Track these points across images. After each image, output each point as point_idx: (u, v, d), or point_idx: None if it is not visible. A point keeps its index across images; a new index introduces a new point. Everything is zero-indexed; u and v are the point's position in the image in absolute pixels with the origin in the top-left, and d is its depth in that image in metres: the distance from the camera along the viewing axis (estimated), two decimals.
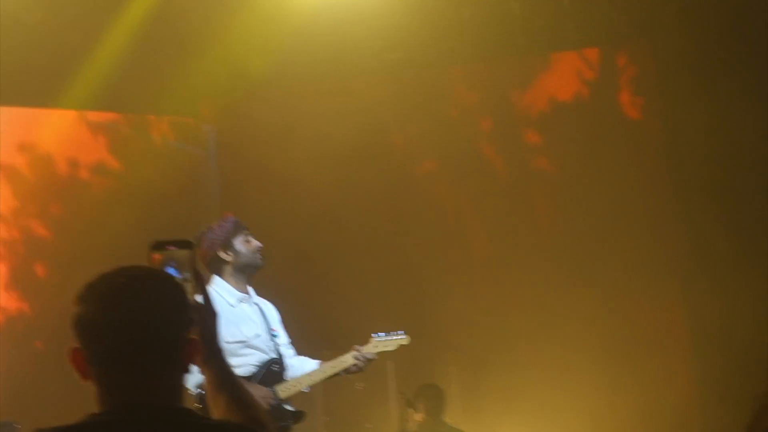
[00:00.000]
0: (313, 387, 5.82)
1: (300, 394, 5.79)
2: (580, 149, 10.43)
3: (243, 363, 5.45)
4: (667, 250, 10.15)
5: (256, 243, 5.64)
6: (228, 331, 5.41)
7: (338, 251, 10.69)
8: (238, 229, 5.66)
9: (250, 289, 5.72)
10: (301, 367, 5.70)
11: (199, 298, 2.59)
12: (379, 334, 5.72)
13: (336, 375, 5.70)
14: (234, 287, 5.61)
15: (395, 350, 5.83)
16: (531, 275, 10.43)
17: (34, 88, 10.09)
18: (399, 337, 5.74)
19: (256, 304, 5.67)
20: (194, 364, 2.46)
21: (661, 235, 10.18)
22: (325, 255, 10.61)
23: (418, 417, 7.73)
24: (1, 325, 10.19)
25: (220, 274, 5.63)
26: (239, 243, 5.62)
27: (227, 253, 5.62)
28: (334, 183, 10.59)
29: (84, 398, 2.41)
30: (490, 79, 10.75)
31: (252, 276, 5.70)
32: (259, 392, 5.30)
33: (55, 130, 10.67)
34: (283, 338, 5.73)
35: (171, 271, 2.51)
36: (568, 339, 9.81)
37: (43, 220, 10.57)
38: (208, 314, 2.62)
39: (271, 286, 6.00)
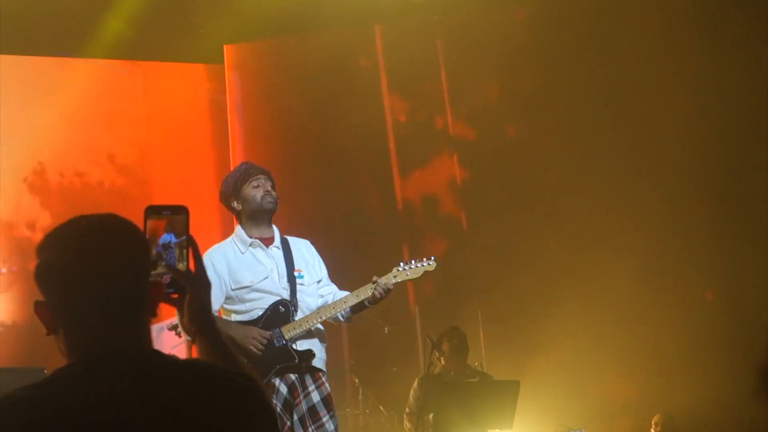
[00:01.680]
0: (334, 320, 5.66)
1: (331, 337, 5.75)
2: None
3: (251, 307, 5.48)
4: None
5: (263, 188, 5.62)
6: (233, 278, 5.52)
7: (358, 190, 10.78)
8: (246, 175, 5.64)
9: (275, 231, 5.71)
10: (333, 301, 5.66)
11: (191, 266, 2.54)
12: (403, 264, 5.62)
13: (354, 310, 5.60)
14: (246, 233, 5.63)
15: (419, 277, 5.65)
16: (561, 222, 10.47)
17: (60, 37, 10.17)
18: (424, 264, 5.63)
19: (278, 247, 5.66)
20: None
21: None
22: (347, 195, 10.70)
23: (443, 360, 7.79)
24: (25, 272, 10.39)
25: (239, 222, 5.69)
26: (247, 190, 5.63)
27: (237, 203, 5.66)
28: (356, 125, 10.62)
29: None
30: None
31: (268, 219, 5.67)
32: (256, 333, 5.34)
33: (81, 79, 10.77)
34: (311, 277, 5.65)
35: (167, 236, 2.47)
36: (598, 281, 9.89)
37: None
38: (200, 285, 2.57)
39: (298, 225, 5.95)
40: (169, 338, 8.36)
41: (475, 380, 7.59)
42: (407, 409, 7.85)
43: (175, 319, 7.29)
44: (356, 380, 10.39)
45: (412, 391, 7.86)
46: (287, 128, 11.04)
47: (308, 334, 5.49)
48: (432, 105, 11.16)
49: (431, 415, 7.36)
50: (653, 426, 9.06)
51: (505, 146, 10.95)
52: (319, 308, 5.55)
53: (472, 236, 11.01)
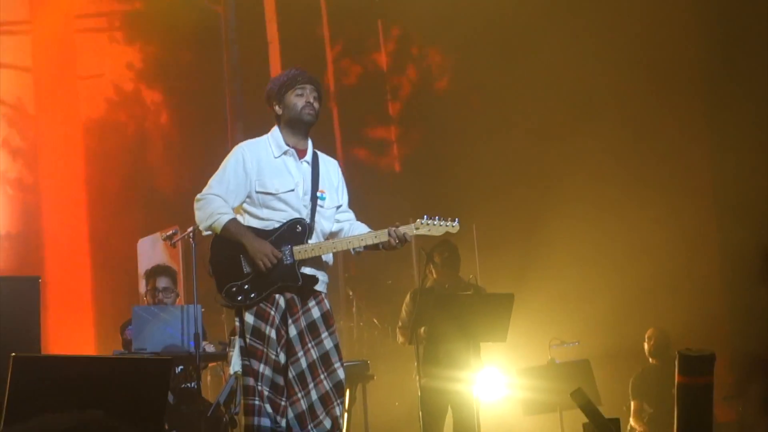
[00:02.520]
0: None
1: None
2: None
3: (269, 216, 5.40)
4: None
5: (306, 98, 5.50)
6: (260, 181, 5.44)
7: None
8: (293, 82, 5.51)
9: (310, 144, 5.60)
10: (348, 231, 5.63)
11: None
12: (427, 217, 5.50)
13: (367, 248, 5.48)
14: (283, 139, 5.54)
15: (440, 235, 5.60)
16: (557, 136, 10.48)
17: None
18: (447, 223, 5.52)
19: (308, 162, 5.58)
20: None
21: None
22: None
23: (435, 273, 7.79)
24: None
25: (277, 124, 5.62)
26: (291, 97, 5.56)
27: (279, 107, 5.60)
28: None
29: None
30: None
31: (305, 130, 5.54)
32: (269, 251, 5.30)
33: None
34: (332, 201, 5.57)
35: None
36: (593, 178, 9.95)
37: None
38: None
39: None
40: (165, 247, 8.38)
41: (469, 293, 7.60)
42: (399, 323, 7.88)
43: (170, 230, 7.29)
44: (350, 293, 10.45)
45: (404, 305, 7.88)
46: None
47: (316, 259, 5.45)
48: None
49: (423, 329, 7.39)
50: (646, 340, 9.13)
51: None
52: (334, 240, 5.49)
53: (469, 150, 11.00)
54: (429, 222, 5.52)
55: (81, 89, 11.30)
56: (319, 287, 5.46)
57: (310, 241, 5.41)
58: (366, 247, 5.52)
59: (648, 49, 10.38)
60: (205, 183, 5.52)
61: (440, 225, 5.55)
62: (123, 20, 11.53)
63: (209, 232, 5.45)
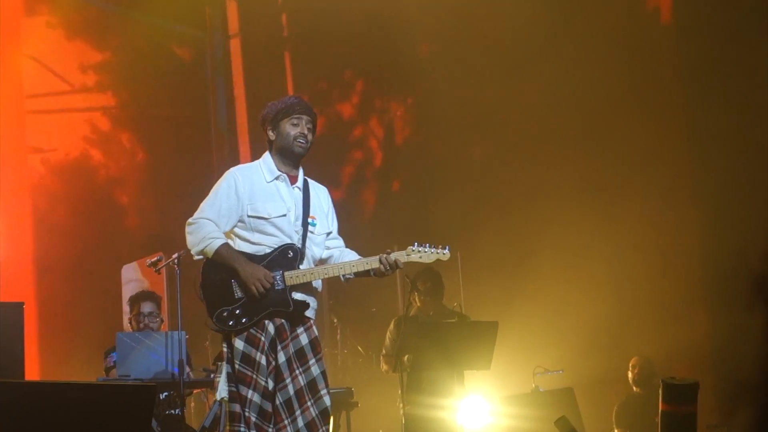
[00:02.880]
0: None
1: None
2: None
3: (261, 241, 5.41)
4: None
5: (300, 129, 5.55)
6: (253, 206, 5.45)
7: None
8: (289, 110, 5.53)
9: (301, 173, 5.62)
10: (338, 258, 5.65)
11: None
12: (417, 244, 5.47)
13: (357, 275, 5.48)
14: (275, 165, 5.57)
15: (426, 263, 5.53)
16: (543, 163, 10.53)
17: None
18: (438, 251, 5.50)
19: (299, 188, 5.59)
20: None
21: None
22: None
23: (418, 301, 7.79)
24: None
25: (269, 150, 5.64)
26: (285, 125, 5.59)
27: (273, 132, 5.63)
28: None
29: None
30: None
31: (296, 159, 5.54)
32: (262, 275, 5.30)
33: None
34: (323, 227, 5.58)
35: None
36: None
37: None
38: None
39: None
40: (149, 274, 8.37)
41: (453, 321, 7.61)
42: (383, 351, 7.88)
43: (155, 257, 7.29)
44: (335, 320, 10.44)
45: (388, 333, 7.88)
46: None
47: (307, 285, 5.46)
48: None
49: (407, 357, 7.38)
50: (630, 368, 9.15)
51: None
52: (326, 266, 5.49)
53: (452, 180, 11.04)
54: (420, 249, 5.53)
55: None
56: (309, 313, 5.46)
57: (301, 267, 5.42)
58: (356, 274, 5.54)
59: (628, 62, 10.43)
60: (191, 210, 5.53)
61: (431, 252, 5.56)
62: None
63: (200, 257, 5.44)
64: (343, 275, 5.53)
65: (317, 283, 5.54)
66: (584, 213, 10.15)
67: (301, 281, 5.39)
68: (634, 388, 9.12)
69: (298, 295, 5.41)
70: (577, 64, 10.38)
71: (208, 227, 5.41)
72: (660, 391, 4.67)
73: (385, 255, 5.42)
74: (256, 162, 5.64)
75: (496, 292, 10.15)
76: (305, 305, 5.40)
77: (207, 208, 5.46)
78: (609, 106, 10.39)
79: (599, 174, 10.30)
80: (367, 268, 5.44)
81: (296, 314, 5.39)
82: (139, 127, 11.47)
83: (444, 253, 5.57)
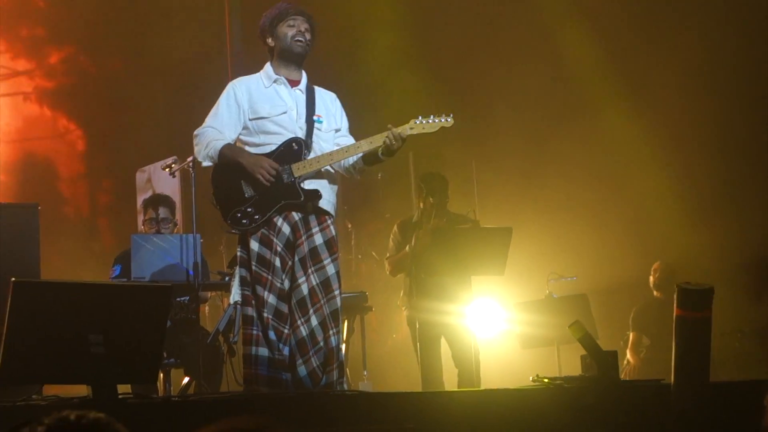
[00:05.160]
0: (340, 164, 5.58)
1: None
2: None
3: (265, 141, 5.45)
4: None
5: (297, 28, 5.56)
6: (252, 108, 5.51)
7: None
8: (284, 14, 5.58)
9: (304, 75, 5.64)
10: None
11: None
12: (420, 117, 5.50)
13: (367, 161, 5.55)
14: (274, 70, 5.60)
15: (435, 132, 5.53)
16: (559, 62, 10.44)
17: None
18: (441, 119, 5.51)
19: (301, 91, 5.59)
20: None
21: None
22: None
23: (426, 204, 7.70)
24: None
25: (270, 59, 5.67)
26: (282, 28, 5.59)
27: (271, 39, 5.63)
28: None
29: None
30: None
31: (297, 61, 5.59)
32: (267, 163, 5.33)
33: None
34: (329, 124, 5.59)
35: None
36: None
37: None
38: None
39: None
40: (164, 177, 8.35)
41: (467, 227, 7.58)
42: (387, 254, 7.87)
43: (169, 160, 7.27)
44: (349, 225, 10.45)
45: (392, 235, 7.86)
46: None
47: (318, 175, 5.46)
48: None
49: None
50: (652, 272, 9.16)
51: None
52: (331, 151, 5.50)
53: (468, 84, 10.96)
54: (423, 120, 5.54)
55: None
56: (325, 206, 5.47)
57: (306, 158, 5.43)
58: (365, 161, 5.56)
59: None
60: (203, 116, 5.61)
61: (434, 122, 5.56)
62: None
63: (209, 163, 5.50)
64: (355, 166, 5.57)
65: (331, 177, 5.57)
66: (605, 113, 10.09)
67: (309, 170, 5.41)
68: (655, 292, 9.13)
69: (308, 185, 5.42)
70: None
71: (212, 133, 5.49)
72: (675, 296, 4.66)
73: (387, 132, 5.42)
74: (257, 73, 5.70)
75: (510, 197, 10.12)
76: (317, 194, 5.41)
77: (210, 119, 5.56)
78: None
79: (622, 75, 10.22)
80: (373, 146, 5.46)
81: (309, 206, 5.41)
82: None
83: (447, 120, 5.57)
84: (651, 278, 9.16)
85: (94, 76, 11.53)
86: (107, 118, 11.40)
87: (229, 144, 5.45)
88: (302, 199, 5.39)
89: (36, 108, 11.31)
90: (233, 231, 5.42)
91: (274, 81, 5.58)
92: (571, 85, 10.44)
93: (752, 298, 8.79)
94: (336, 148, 5.58)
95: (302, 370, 5.27)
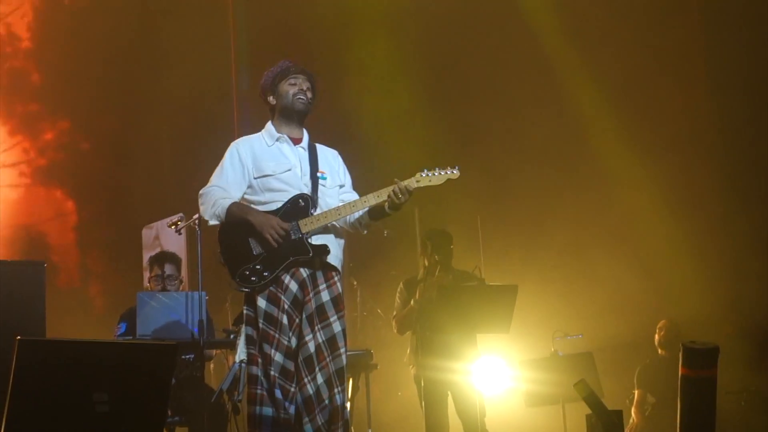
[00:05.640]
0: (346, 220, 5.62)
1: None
2: None
3: (271, 198, 5.48)
4: None
5: (298, 87, 5.62)
6: (256, 166, 5.55)
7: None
8: (285, 72, 5.65)
9: (305, 134, 5.69)
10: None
11: None
12: (426, 170, 5.51)
13: (374, 217, 5.57)
14: (276, 129, 5.65)
15: (442, 184, 5.54)
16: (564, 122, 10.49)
17: None
18: (447, 171, 5.53)
19: (304, 148, 5.63)
20: None
21: None
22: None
23: (431, 261, 7.71)
24: None
25: (271, 118, 5.73)
26: (283, 86, 5.65)
27: (273, 97, 5.70)
28: None
29: None
30: None
31: (298, 120, 5.64)
32: (276, 223, 5.35)
33: None
34: (333, 181, 5.64)
35: None
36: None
37: None
38: None
39: None
40: (171, 234, 8.37)
41: (473, 284, 7.59)
42: (394, 312, 7.88)
43: (175, 217, 7.29)
44: (354, 283, 10.46)
45: (398, 294, 7.87)
46: None
47: (325, 231, 5.48)
48: None
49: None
50: (657, 330, 9.14)
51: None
52: (338, 206, 5.52)
53: (473, 138, 11.00)
54: (429, 173, 5.55)
55: None
56: (332, 261, 5.48)
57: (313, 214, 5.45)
58: (372, 215, 5.58)
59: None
60: (208, 175, 5.65)
61: (440, 174, 5.58)
62: None
63: (215, 222, 5.51)
64: (361, 222, 5.60)
65: (337, 233, 5.58)
66: (606, 177, 10.12)
67: (316, 225, 5.43)
68: (660, 350, 9.10)
69: (316, 240, 5.44)
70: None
71: (218, 192, 5.52)
72: (680, 355, 4.66)
73: (394, 185, 5.44)
74: (258, 133, 5.75)
75: (515, 255, 10.13)
76: (325, 249, 5.42)
77: (215, 178, 5.60)
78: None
79: (618, 137, 10.25)
80: (379, 200, 5.47)
81: (317, 262, 5.42)
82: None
83: (453, 173, 5.59)
84: (656, 336, 9.14)
85: (89, 150, 11.66)
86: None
87: (236, 202, 5.48)
88: (311, 254, 5.40)
89: (29, 181, 11.43)
90: (242, 289, 5.41)
91: (277, 139, 5.63)
92: (576, 137, 10.48)
93: (753, 368, 8.75)
94: (341, 204, 5.61)
95: (308, 428, 5.25)
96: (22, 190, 11.42)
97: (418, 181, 5.53)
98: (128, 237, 10.27)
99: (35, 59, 11.63)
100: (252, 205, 5.54)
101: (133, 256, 10.01)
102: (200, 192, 5.58)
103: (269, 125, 5.70)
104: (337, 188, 5.68)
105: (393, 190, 5.44)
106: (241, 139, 5.75)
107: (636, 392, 8.96)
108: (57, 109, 11.56)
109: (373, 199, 5.49)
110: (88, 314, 10.89)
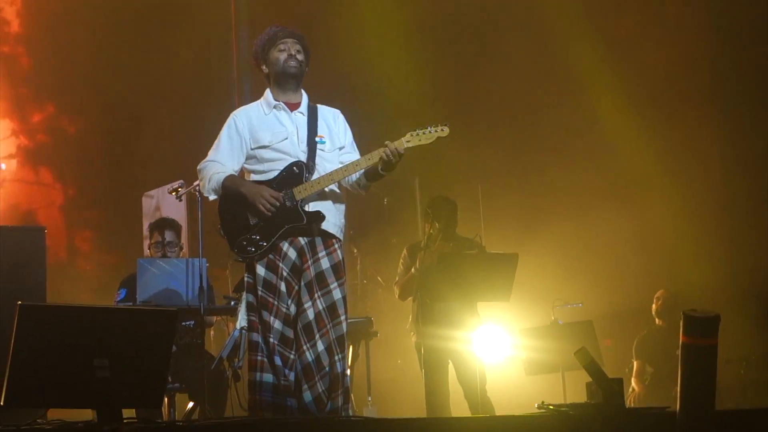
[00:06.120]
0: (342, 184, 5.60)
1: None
2: None
3: (269, 168, 5.48)
4: None
5: (288, 51, 5.58)
6: (253, 137, 5.54)
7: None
8: (274, 39, 5.63)
9: (304, 96, 5.67)
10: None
11: None
12: (417, 129, 5.50)
13: (369, 177, 5.54)
14: (273, 96, 5.64)
15: (432, 143, 5.52)
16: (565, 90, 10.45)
17: None
18: (437, 129, 5.51)
19: (302, 113, 5.61)
20: None
21: None
22: None
23: (434, 228, 7.70)
24: None
25: (268, 85, 5.71)
26: (273, 53, 5.62)
27: (265, 65, 5.67)
28: None
29: None
30: None
31: (294, 83, 5.60)
32: (267, 193, 5.35)
33: None
34: (332, 144, 5.60)
35: None
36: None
37: None
38: None
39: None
40: (171, 200, 8.36)
41: (473, 252, 7.58)
42: (396, 278, 7.88)
43: (176, 183, 7.28)
44: (355, 250, 10.46)
45: (401, 259, 7.87)
46: None
47: (322, 197, 5.48)
48: None
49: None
50: (654, 300, 9.16)
51: None
52: (330, 171, 5.51)
53: (475, 110, 10.97)
54: (419, 132, 5.55)
55: None
56: (331, 229, 5.48)
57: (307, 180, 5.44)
58: (369, 177, 5.57)
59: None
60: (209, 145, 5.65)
61: (431, 133, 5.56)
62: None
63: (214, 196, 5.55)
64: (359, 183, 5.59)
65: (335, 198, 5.58)
66: (613, 136, 10.10)
67: (310, 192, 5.44)
68: (657, 320, 9.13)
69: (311, 207, 5.44)
70: None
71: (215, 166, 5.54)
72: (681, 323, 4.65)
73: (385, 146, 5.43)
74: (256, 102, 5.74)
75: (515, 223, 10.12)
76: (319, 216, 5.42)
77: (212, 152, 5.61)
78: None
79: (624, 110, 10.23)
80: (370, 163, 5.47)
81: (315, 229, 5.42)
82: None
83: (443, 130, 5.57)
84: (653, 306, 9.16)
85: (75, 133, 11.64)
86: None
87: (231, 175, 5.49)
88: (305, 221, 5.40)
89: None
90: (240, 259, 5.43)
91: (274, 107, 5.61)
92: (577, 104, 10.46)
93: (759, 326, 8.76)
94: (340, 166, 5.60)
95: (308, 395, 5.27)
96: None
97: (408, 141, 5.52)
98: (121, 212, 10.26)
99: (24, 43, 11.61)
100: (252, 175, 5.55)
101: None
102: (198, 167, 5.61)
103: (267, 93, 5.69)
104: (337, 151, 5.66)
105: (384, 152, 5.42)
106: (239, 109, 5.75)
107: (635, 363, 8.99)
108: (48, 88, 11.53)
109: (365, 162, 5.49)
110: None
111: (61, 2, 11.50)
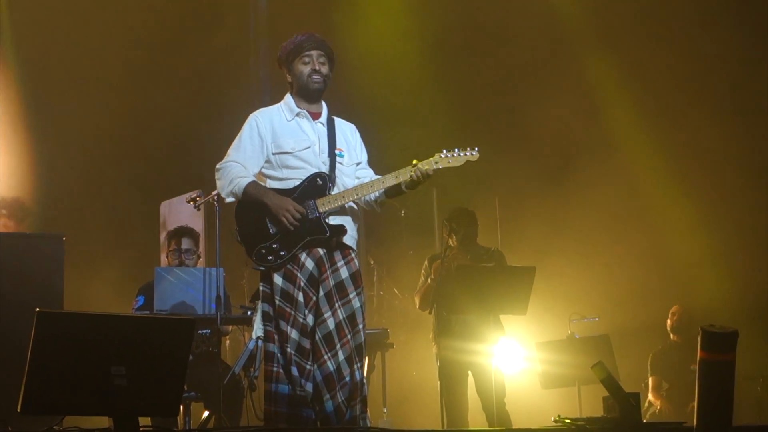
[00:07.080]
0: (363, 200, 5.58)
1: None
2: None
3: (289, 175, 5.46)
4: None
5: (312, 65, 5.55)
6: (275, 142, 5.50)
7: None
8: (298, 49, 5.57)
9: (324, 107, 5.66)
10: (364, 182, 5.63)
11: None
12: (446, 151, 5.48)
13: (390, 195, 5.54)
14: (295, 103, 5.61)
15: (461, 166, 5.52)
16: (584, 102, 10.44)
17: None
18: (467, 153, 5.51)
19: (323, 124, 5.60)
20: None
21: None
22: None
23: (453, 241, 7.72)
24: None
25: (290, 90, 5.67)
26: (298, 65, 5.59)
27: (289, 75, 5.65)
28: None
29: None
30: None
31: (316, 97, 5.58)
32: (291, 206, 5.32)
33: None
34: (350, 158, 5.60)
35: None
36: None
37: None
38: None
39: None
40: (188, 209, 8.37)
41: (491, 265, 7.58)
42: (418, 287, 7.88)
43: (194, 193, 7.30)
44: (371, 261, 10.46)
45: (423, 270, 7.87)
46: None
47: (342, 211, 5.46)
48: None
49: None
50: (670, 316, 9.13)
51: None
52: (356, 186, 5.50)
53: (494, 121, 10.97)
54: (448, 154, 5.53)
55: None
56: (349, 242, 5.47)
57: (332, 194, 5.43)
58: (388, 194, 5.55)
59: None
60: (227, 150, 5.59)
61: (459, 156, 5.55)
62: None
63: (232, 199, 5.48)
64: (377, 200, 5.59)
65: (354, 212, 5.56)
66: (629, 152, 10.08)
67: (334, 205, 5.42)
68: (672, 335, 9.10)
69: (333, 220, 5.42)
70: None
71: (236, 169, 5.46)
72: (698, 339, 4.63)
73: (413, 167, 5.41)
74: (276, 105, 5.69)
75: (533, 236, 10.11)
76: (342, 229, 5.41)
77: (233, 152, 5.53)
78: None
79: (642, 126, 10.21)
80: (398, 181, 5.45)
81: (335, 242, 5.41)
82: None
83: (473, 154, 5.56)
84: (668, 322, 9.13)
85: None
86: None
87: (254, 182, 5.44)
88: (328, 234, 5.39)
89: None
90: (258, 267, 5.41)
91: (297, 114, 5.58)
92: (594, 121, 10.44)
93: None
94: (357, 181, 5.59)
95: (329, 405, 5.26)
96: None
97: (437, 163, 5.50)
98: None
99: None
100: (268, 180, 5.52)
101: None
102: (217, 166, 5.54)
103: (288, 98, 5.64)
104: (354, 166, 5.65)
105: (414, 172, 5.41)
106: (260, 111, 5.68)
107: (650, 379, 8.96)
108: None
109: (392, 179, 5.46)
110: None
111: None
